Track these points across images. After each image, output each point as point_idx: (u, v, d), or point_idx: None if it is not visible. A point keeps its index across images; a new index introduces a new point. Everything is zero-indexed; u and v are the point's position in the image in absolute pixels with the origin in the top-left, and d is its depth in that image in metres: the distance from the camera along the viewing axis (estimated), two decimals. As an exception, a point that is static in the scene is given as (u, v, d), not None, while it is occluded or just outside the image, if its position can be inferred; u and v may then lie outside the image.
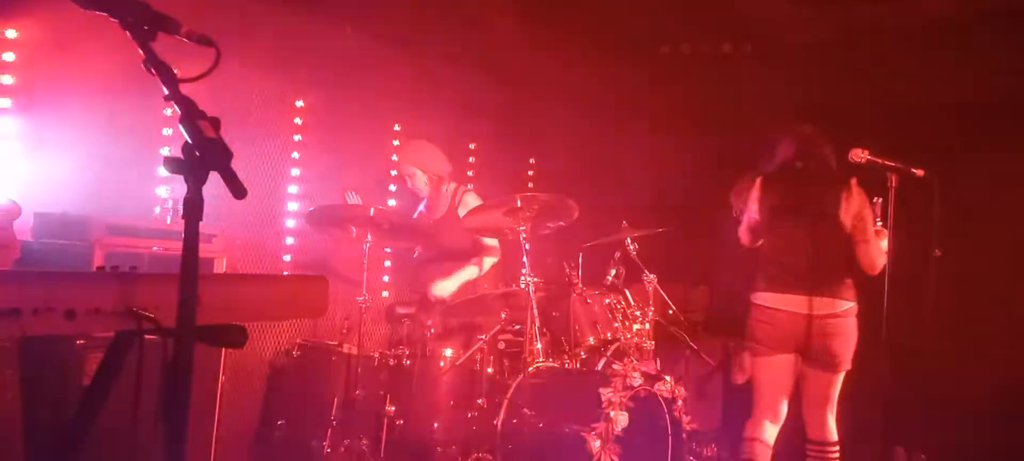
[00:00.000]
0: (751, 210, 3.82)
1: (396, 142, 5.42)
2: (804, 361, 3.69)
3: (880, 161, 3.51)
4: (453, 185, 4.65)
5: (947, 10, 4.94)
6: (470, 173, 6.03)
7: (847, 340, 3.63)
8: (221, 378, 3.41)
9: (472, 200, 4.52)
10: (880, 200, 3.61)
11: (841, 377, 3.69)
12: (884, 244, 3.54)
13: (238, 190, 1.38)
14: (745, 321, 3.84)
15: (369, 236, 3.95)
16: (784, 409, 3.76)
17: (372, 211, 3.86)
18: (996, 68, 4.92)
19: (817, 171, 3.72)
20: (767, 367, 3.76)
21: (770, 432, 3.77)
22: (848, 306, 3.62)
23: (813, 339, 3.59)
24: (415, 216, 4.68)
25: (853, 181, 3.64)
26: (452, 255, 4.50)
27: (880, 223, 3.62)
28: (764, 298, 3.72)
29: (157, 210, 3.84)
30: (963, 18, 4.96)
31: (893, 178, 3.48)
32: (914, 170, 3.48)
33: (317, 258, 4.74)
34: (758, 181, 3.80)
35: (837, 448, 3.74)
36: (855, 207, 3.64)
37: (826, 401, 3.72)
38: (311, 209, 4.23)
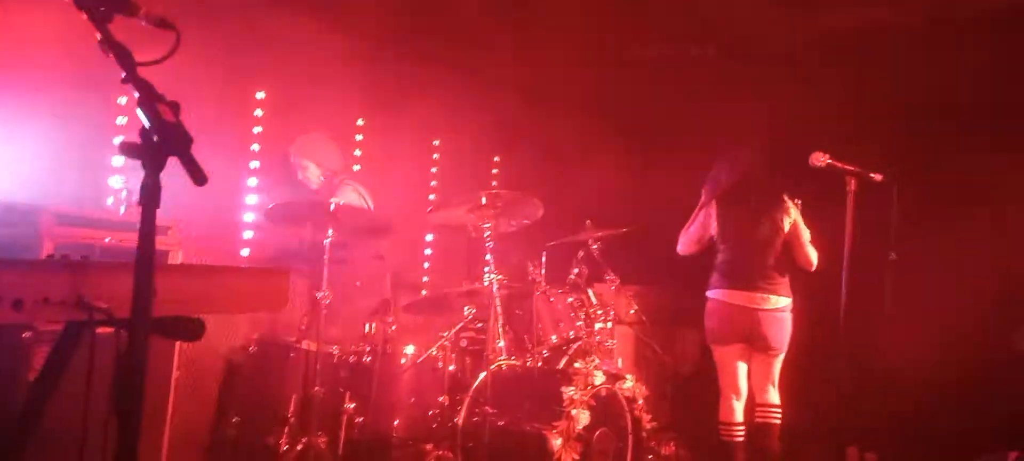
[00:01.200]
0: (708, 226, 4.43)
1: (359, 137, 5.35)
2: (750, 347, 4.32)
3: (839, 165, 3.60)
4: (341, 179, 4.50)
5: (906, 19, 5.06)
6: (434, 170, 5.98)
7: (785, 331, 4.28)
8: (175, 373, 3.32)
9: (349, 193, 4.36)
10: (800, 202, 4.32)
11: (780, 359, 4.33)
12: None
13: (199, 177, 1.34)
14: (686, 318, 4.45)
15: (330, 231, 3.84)
16: (744, 386, 4.37)
17: (333, 205, 3.78)
18: (953, 73, 5.03)
19: (758, 190, 4.36)
20: (725, 355, 4.38)
21: (738, 409, 4.37)
22: (786, 302, 4.27)
23: (758, 329, 4.22)
24: None
25: (784, 196, 4.31)
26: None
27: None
28: (721, 295, 4.34)
29: (110, 200, 3.72)
30: (920, 25, 5.08)
31: (852, 182, 3.56)
32: (872, 175, 3.56)
33: (276, 252, 4.65)
34: (714, 203, 4.42)
35: (779, 409, 4.34)
36: (792, 217, 4.29)
37: (768, 378, 4.34)
38: (270, 206, 4.07)
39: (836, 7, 5.21)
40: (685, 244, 4.54)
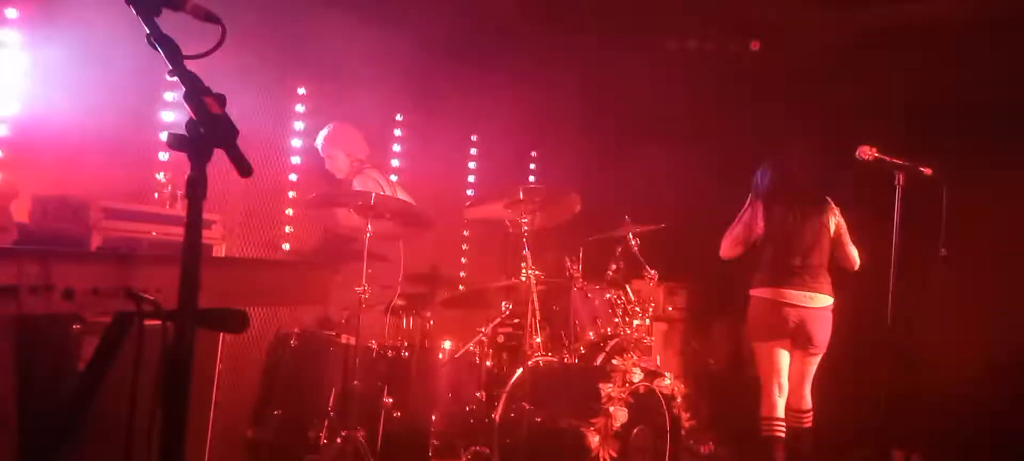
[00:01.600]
0: (754, 226, 4.44)
1: (398, 132, 5.38)
2: (793, 345, 4.34)
3: (887, 159, 3.51)
4: (363, 167, 4.49)
5: (956, 13, 4.93)
6: (472, 165, 5.99)
7: (828, 330, 4.31)
8: (218, 365, 3.37)
9: (368, 181, 4.35)
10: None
11: (818, 360, 4.36)
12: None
13: (244, 168, 1.35)
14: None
15: (370, 225, 3.86)
16: (786, 384, 4.38)
17: (373, 198, 3.79)
18: (1002, 71, 4.90)
19: (805, 191, 4.45)
20: (770, 351, 4.37)
21: (780, 405, 4.38)
22: (831, 301, 4.31)
23: (804, 326, 4.26)
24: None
25: (828, 198, 4.42)
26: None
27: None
28: (768, 293, 4.34)
29: (156, 195, 3.79)
30: (971, 21, 4.94)
31: (900, 176, 3.47)
32: (922, 168, 3.46)
33: (316, 246, 4.70)
34: (759, 204, 4.45)
35: (811, 413, 4.40)
36: (837, 218, 4.39)
37: (805, 378, 4.38)
38: (312, 196, 4.15)
39: (878, 3, 5.10)
40: (729, 246, 4.52)
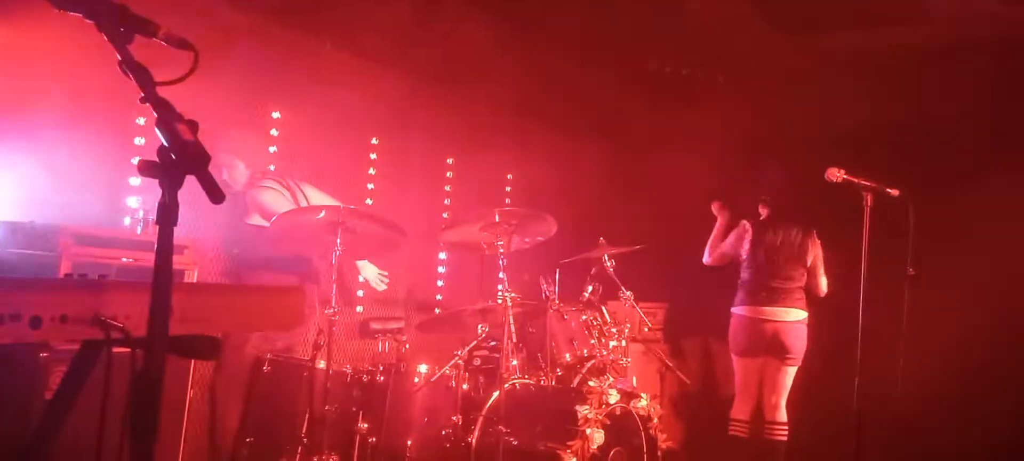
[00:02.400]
0: (740, 247, 4.85)
1: (373, 156, 5.38)
2: (769, 356, 4.70)
3: (855, 180, 3.57)
4: (261, 177, 4.15)
5: (919, 38, 5.06)
6: (447, 189, 6.00)
7: (802, 341, 4.68)
8: (189, 392, 3.32)
9: (268, 195, 4.02)
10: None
11: (793, 371, 4.70)
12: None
13: (216, 195, 1.34)
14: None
15: (338, 244, 3.67)
16: (758, 392, 4.78)
17: (273, 220, 3.64)
18: (967, 94, 5.04)
19: (792, 221, 4.80)
20: (747, 365, 4.78)
21: (746, 411, 4.80)
22: (804, 315, 4.70)
23: (779, 337, 4.64)
24: None
25: (814, 232, 4.78)
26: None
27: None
28: (748, 311, 4.74)
29: (127, 221, 3.75)
30: (935, 46, 5.08)
31: (868, 197, 3.54)
32: (889, 190, 3.53)
33: (289, 270, 4.66)
34: (750, 228, 4.84)
35: (785, 427, 4.70)
36: (816, 252, 4.77)
37: (780, 389, 4.71)
38: (273, 218, 3.79)
39: (839, 29, 5.23)
40: (716, 258, 4.98)
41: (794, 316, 4.66)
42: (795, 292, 4.68)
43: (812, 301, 4.76)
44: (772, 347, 4.66)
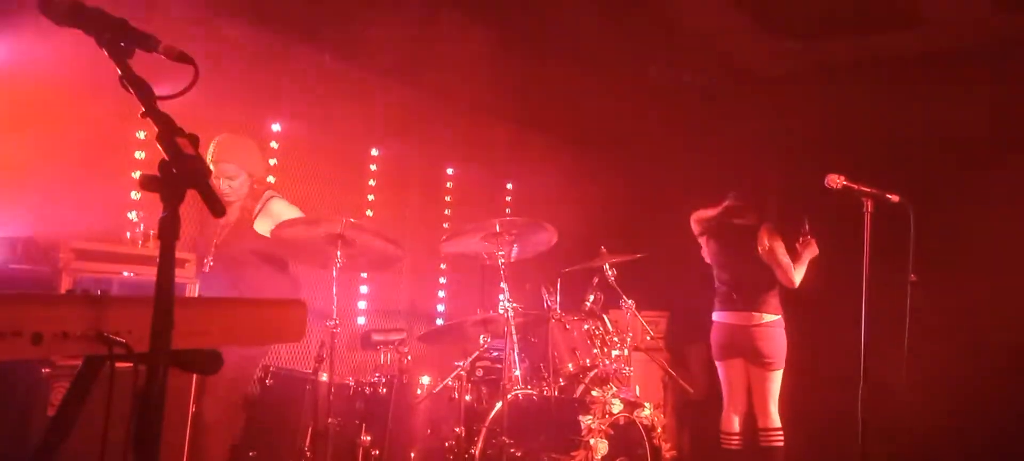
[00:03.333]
0: (705, 258, 4.94)
1: (373, 167, 5.38)
2: (749, 363, 4.70)
3: (855, 186, 3.57)
4: (265, 191, 3.99)
5: (916, 46, 5.08)
6: (447, 199, 6.00)
7: (777, 343, 4.63)
8: (192, 407, 3.31)
9: (282, 208, 3.88)
10: (808, 227, 4.68)
11: (777, 375, 4.64)
12: (800, 268, 4.62)
13: (217, 208, 1.34)
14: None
15: (338, 256, 3.64)
16: (743, 400, 4.78)
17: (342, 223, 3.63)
18: (968, 101, 5.06)
19: (737, 222, 4.80)
20: (726, 369, 4.82)
21: (734, 421, 4.81)
22: (774, 318, 4.65)
23: (752, 343, 4.63)
24: None
25: (763, 227, 4.69)
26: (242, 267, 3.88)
27: (804, 238, 4.68)
28: (720, 317, 4.82)
29: (129, 234, 3.75)
30: (932, 53, 5.10)
31: (868, 203, 3.53)
32: (889, 196, 3.53)
33: (291, 283, 4.65)
34: (706, 237, 4.89)
35: (780, 432, 4.65)
36: (768, 241, 4.66)
37: (767, 396, 4.65)
38: (272, 229, 3.68)
39: (838, 36, 5.24)
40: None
41: (764, 319, 4.63)
42: (762, 294, 4.63)
43: (816, 305, 4.76)
44: (749, 354, 4.67)
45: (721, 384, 4.87)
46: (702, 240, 4.93)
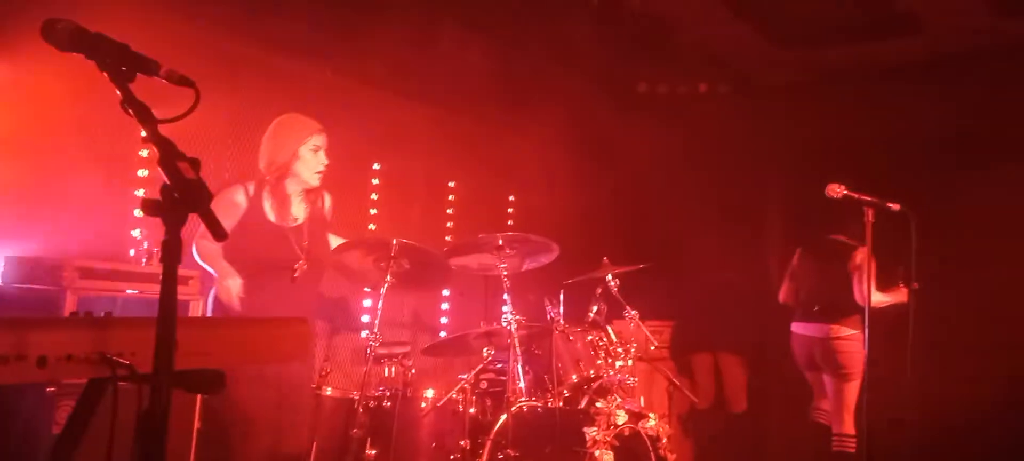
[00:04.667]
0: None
1: (375, 181, 5.40)
2: (826, 372, 4.82)
3: (856, 196, 3.57)
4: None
5: (913, 51, 5.09)
6: (449, 212, 6.01)
7: (852, 357, 4.65)
8: (196, 425, 3.32)
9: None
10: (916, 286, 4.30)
11: (853, 385, 4.68)
12: (883, 296, 4.52)
13: (219, 232, 1.35)
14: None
15: (388, 278, 3.67)
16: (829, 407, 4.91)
17: (395, 243, 3.67)
18: (964, 105, 5.06)
19: (834, 240, 4.84)
20: (812, 379, 5.00)
21: (842, 422, 4.85)
22: (851, 333, 4.67)
23: (828, 356, 4.74)
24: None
25: (862, 248, 4.38)
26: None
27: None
28: (796, 327, 4.96)
29: (132, 252, 3.77)
30: (930, 58, 5.11)
31: (869, 212, 3.53)
32: (890, 204, 3.53)
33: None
34: (798, 250, 5.04)
35: (854, 438, 4.71)
36: (857, 261, 4.63)
37: (843, 402, 4.74)
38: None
39: (836, 44, 5.26)
40: (783, 295, 5.18)
41: (840, 332, 4.73)
42: (841, 308, 4.71)
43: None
44: (825, 363, 4.81)
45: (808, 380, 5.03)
46: (797, 254, 5.06)
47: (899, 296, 4.57)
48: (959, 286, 4.75)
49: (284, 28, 4.51)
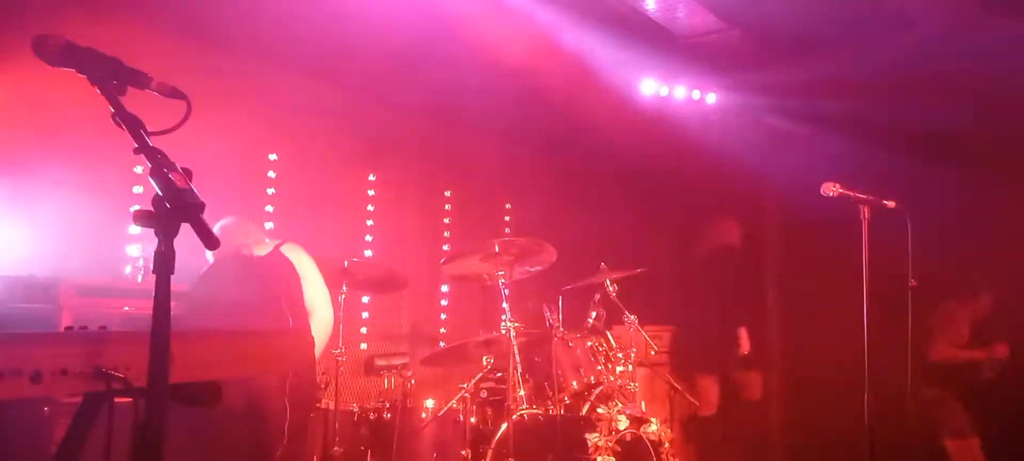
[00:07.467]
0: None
1: (371, 192, 5.40)
2: None
3: (851, 194, 3.56)
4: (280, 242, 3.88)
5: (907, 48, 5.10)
6: (446, 221, 6.01)
7: None
8: (194, 438, 3.29)
9: (299, 253, 3.82)
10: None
11: None
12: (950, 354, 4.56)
13: (211, 241, 1.35)
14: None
15: (344, 288, 3.85)
16: None
17: (346, 263, 3.78)
18: (957, 102, 5.07)
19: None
20: None
21: None
22: None
23: None
24: None
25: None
26: None
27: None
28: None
29: (128, 269, 3.76)
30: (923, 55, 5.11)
31: (865, 210, 3.53)
32: (885, 202, 3.52)
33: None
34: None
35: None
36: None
37: None
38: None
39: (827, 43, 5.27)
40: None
41: None
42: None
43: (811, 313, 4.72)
44: None
45: None
46: None
47: (968, 359, 4.64)
48: (959, 284, 4.75)
49: (275, 42, 4.51)
